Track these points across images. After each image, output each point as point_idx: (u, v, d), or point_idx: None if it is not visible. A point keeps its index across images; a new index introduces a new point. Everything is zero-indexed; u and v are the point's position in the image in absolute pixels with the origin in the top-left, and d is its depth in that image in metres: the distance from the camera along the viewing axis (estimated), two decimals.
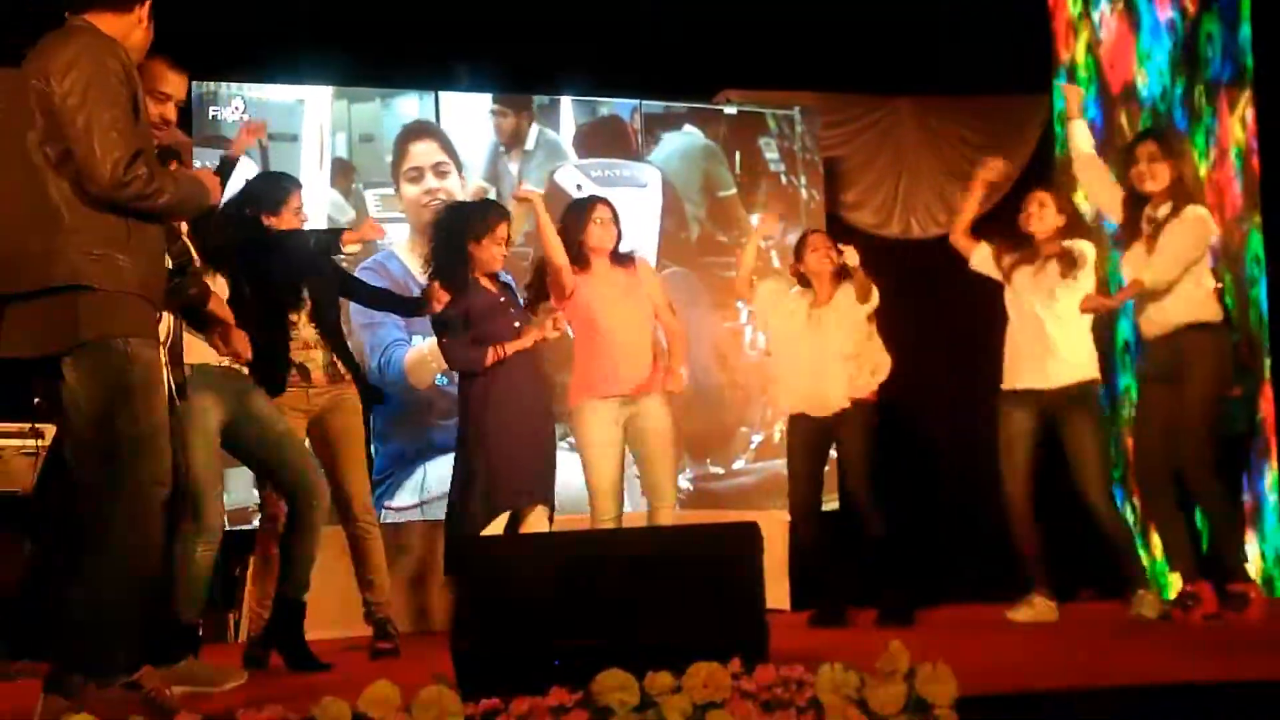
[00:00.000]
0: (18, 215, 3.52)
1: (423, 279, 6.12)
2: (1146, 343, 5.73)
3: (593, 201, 6.24)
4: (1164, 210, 5.52)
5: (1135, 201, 5.66)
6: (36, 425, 5.84)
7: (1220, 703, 3.35)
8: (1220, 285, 6.12)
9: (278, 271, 5.34)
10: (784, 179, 8.46)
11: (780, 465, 8.00)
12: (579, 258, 6.05)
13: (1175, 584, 6.30)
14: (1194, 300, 5.48)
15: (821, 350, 6.24)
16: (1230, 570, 5.54)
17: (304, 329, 5.48)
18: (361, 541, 5.57)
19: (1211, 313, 5.54)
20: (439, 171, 7.85)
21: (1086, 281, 5.80)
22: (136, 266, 3.53)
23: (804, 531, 6.47)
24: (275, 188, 5.63)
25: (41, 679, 3.50)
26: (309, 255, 5.54)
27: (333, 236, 5.69)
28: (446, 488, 6.01)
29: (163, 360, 3.83)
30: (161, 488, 3.56)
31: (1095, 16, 7.96)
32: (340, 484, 5.50)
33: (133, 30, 3.69)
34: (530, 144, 8.06)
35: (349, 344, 5.82)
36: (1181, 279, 5.44)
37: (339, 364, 5.55)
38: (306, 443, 5.44)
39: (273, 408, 5.08)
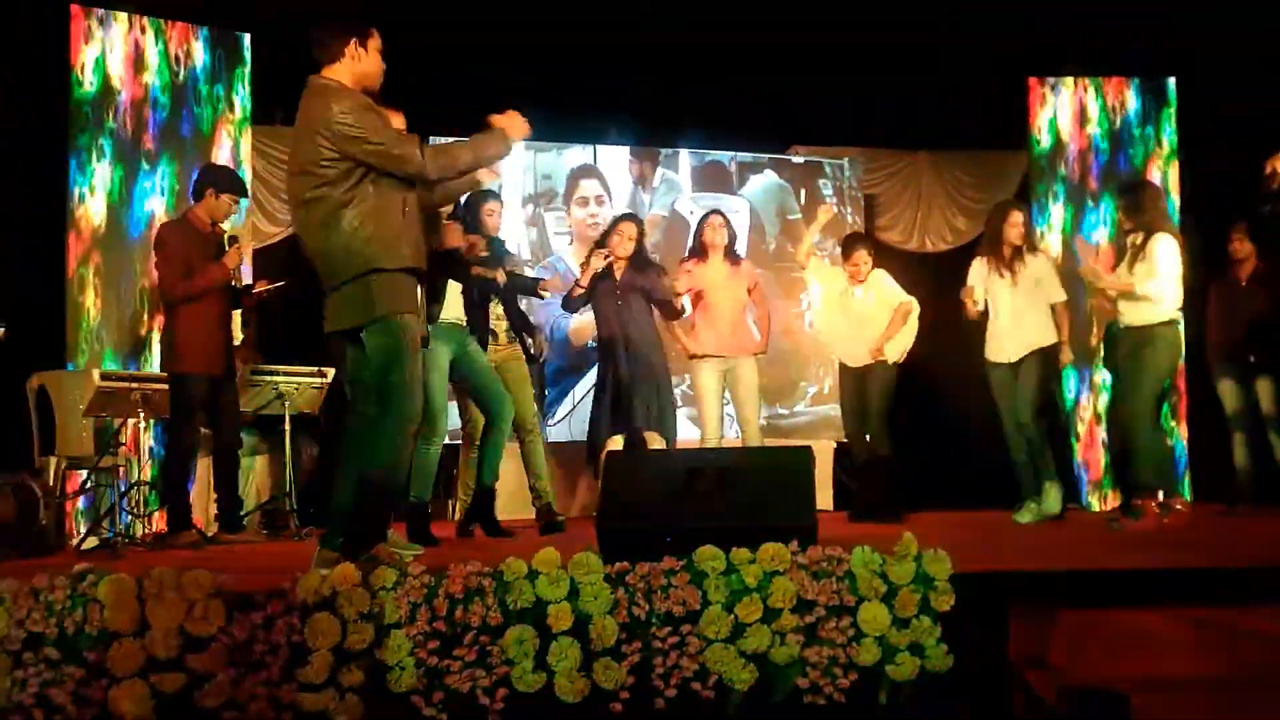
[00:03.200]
0: (324, 233, 3.47)
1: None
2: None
3: (710, 213, 6.22)
4: (1139, 239, 5.37)
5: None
6: (322, 368, 5.96)
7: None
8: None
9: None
10: (836, 209, 8.32)
11: (827, 409, 7.94)
12: (699, 251, 6.05)
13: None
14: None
15: (854, 317, 6.18)
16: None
17: (495, 308, 5.52)
18: (530, 449, 5.62)
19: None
20: (598, 200, 7.87)
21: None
22: (402, 246, 3.48)
23: (852, 450, 6.43)
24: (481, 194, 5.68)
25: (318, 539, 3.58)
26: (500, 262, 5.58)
27: (533, 283, 5.77)
28: (588, 412, 6.07)
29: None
30: (413, 423, 3.57)
31: (1056, 98, 7.75)
32: (517, 408, 5.56)
33: (352, 68, 3.52)
34: (655, 181, 8.04)
35: (530, 319, 5.84)
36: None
37: (512, 331, 5.60)
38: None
39: (481, 352, 5.13)
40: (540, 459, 5.61)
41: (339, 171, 3.41)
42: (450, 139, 4.11)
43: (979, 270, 5.82)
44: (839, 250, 7.73)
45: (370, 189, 3.43)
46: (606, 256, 5.79)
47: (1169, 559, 3.79)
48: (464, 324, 5.04)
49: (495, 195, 5.77)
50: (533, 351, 5.72)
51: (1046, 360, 5.72)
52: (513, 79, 7.11)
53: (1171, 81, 7.71)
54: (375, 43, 3.58)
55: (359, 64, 3.54)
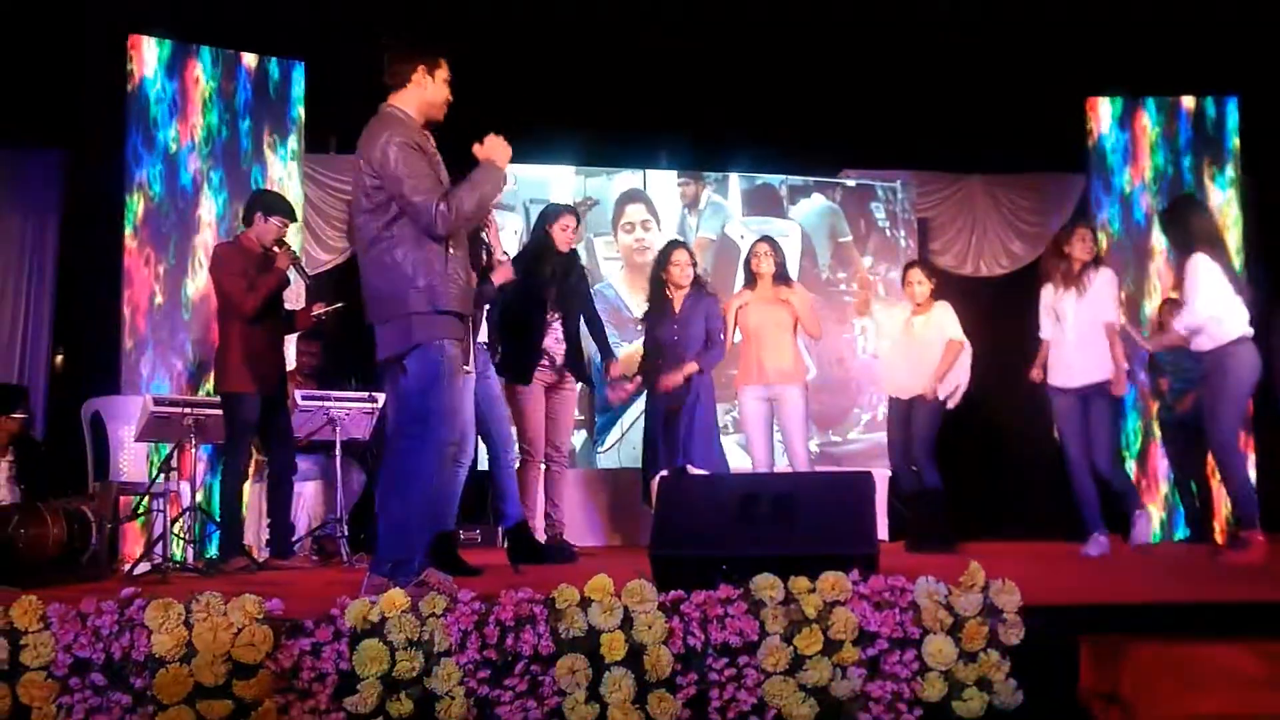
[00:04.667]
0: (370, 267, 3.49)
1: (632, 305, 6.13)
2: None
3: (757, 240, 6.14)
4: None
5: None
6: (374, 394, 5.93)
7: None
8: None
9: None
10: (888, 233, 8.25)
11: (881, 435, 7.80)
12: (749, 280, 5.98)
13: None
14: None
15: (908, 347, 6.04)
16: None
17: (555, 328, 5.47)
18: (555, 475, 5.56)
19: None
20: (644, 225, 7.83)
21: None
22: (449, 288, 3.47)
23: (900, 480, 6.27)
24: (554, 207, 5.66)
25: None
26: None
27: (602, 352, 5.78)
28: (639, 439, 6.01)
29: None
30: (452, 447, 3.55)
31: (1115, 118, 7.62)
32: (552, 436, 5.52)
33: (420, 95, 3.53)
34: (703, 205, 8.00)
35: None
36: None
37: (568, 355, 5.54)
38: (543, 404, 5.43)
39: (495, 379, 5.03)
40: (562, 487, 5.57)
41: (381, 200, 3.42)
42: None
43: (1048, 296, 5.66)
44: (891, 275, 7.68)
45: (410, 226, 3.43)
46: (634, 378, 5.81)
47: (1245, 591, 3.64)
48: (486, 345, 4.98)
49: (571, 210, 5.74)
50: (612, 376, 5.71)
51: (1114, 398, 5.58)
52: (562, 103, 7.13)
53: (1234, 100, 7.54)
54: (443, 73, 3.58)
55: (425, 91, 3.55)
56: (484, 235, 4.67)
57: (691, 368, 5.68)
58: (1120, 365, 5.56)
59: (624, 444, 7.45)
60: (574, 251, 5.75)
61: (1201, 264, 5.04)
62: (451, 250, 3.49)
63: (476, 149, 3.61)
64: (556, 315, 5.50)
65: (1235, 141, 7.51)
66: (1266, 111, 7.30)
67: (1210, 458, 5.95)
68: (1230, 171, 7.49)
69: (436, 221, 3.41)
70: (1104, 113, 7.62)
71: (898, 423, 6.17)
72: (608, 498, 7.12)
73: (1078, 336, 5.51)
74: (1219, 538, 6.24)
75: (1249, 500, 5.13)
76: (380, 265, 3.43)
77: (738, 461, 6.42)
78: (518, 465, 5.50)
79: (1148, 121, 7.59)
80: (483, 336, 4.89)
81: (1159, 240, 7.34)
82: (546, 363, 5.49)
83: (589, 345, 5.85)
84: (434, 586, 3.24)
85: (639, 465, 6.00)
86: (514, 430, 5.27)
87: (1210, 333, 5.05)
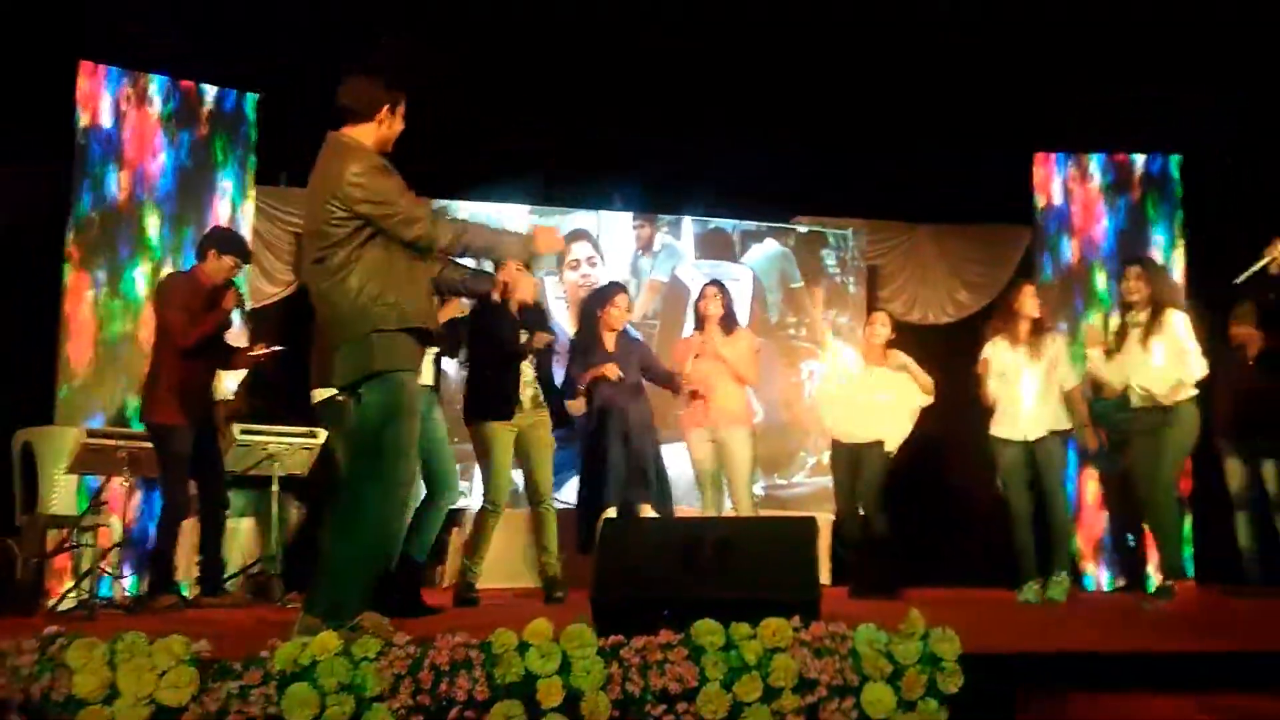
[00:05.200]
0: (330, 292, 3.43)
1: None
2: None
3: (706, 283, 6.18)
4: (1143, 316, 5.31)
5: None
6: (313, 429, 5.85)
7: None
8: None
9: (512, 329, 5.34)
10: (838, 279, 8.34)
11: (826, 479, 7.82)
12: (698, 322, 6.00)
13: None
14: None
15: (861, 395, 6.05)
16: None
17: (526, 371, 5.43)
18: (542, 520, 5.50)
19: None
20: (590, 262, 7.85)
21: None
22: (416, 305, 3.44)
23: (844, 526, 6.28)
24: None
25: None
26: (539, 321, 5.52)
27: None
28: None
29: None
30: (405, 487, 3.49)
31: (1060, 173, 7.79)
32: (533, 477, 5.46)
33: (378, 131, 3.51)
34: (657, 247, 8.02)
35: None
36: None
37: (540, 396, 5.51)
38: (510, 451, 5.37)
39: (440, 422, 4.94)
40: (552, 531, 5.50)
41: (348, 231, 3.38)
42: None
43: (994, 350, 5.73)
44: (840, 320, 7.74)
45: (379, 249, 3.40)
46: (608, 373, 5.72)
47: (1179, 643, 3.67)
48: (431, 387, 4.90)
49: (621, 288, 5.84)
50: (572, 414, 5.65)
51: (1063, 445, 5.66)
52: (517, 142, 7.14)
53: (1176, 159, 7.74)
54: (402, 108, 3.56)
55: (384, 128, 3.53)
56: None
57: (611, 368, 5.68)
58: (1084, 423, 5.68)
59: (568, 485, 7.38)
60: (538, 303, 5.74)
61: (1182, 318, 5.24)
62: (414, 268, 3.46)
63: (536, 227, 3.70)
64: (528, 360, 5.45)
65: (1178, 199, 7.70)
66: (1207, 170, 7.49)
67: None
68: (1173, 228, 7.67)
69: (436, 235, 3.43)
70: (1050, 168, 7.79)
71: (845, 467, 6.16)
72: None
73: (1035, 398, 5.58)
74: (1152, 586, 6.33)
75: (1178, 549, 5.24)
76: (344, 288, 3.38)
77: (686, 504, 6.38)
78: (478, 512, 5.42)
79: (1093, 177, 7.77)
80: (428, 379, 4.82)
81: (1103, 293, 7.50)
82: (513, 409, 5.43)
83: None
84: (369, 630, 3.17)
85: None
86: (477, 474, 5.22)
87: (1177, 385, 5.17)
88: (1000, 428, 5.69)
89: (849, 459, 6.13)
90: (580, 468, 5.87)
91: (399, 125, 3.56)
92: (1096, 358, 5.52)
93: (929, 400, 6.07)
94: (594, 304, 5.95)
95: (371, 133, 3.50)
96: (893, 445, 6.05)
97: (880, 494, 6.04)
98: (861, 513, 6.14)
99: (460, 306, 5.04)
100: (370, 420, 3.40)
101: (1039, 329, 5.66)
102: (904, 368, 6.04)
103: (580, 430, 6.02)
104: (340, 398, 3.72)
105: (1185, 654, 3.41)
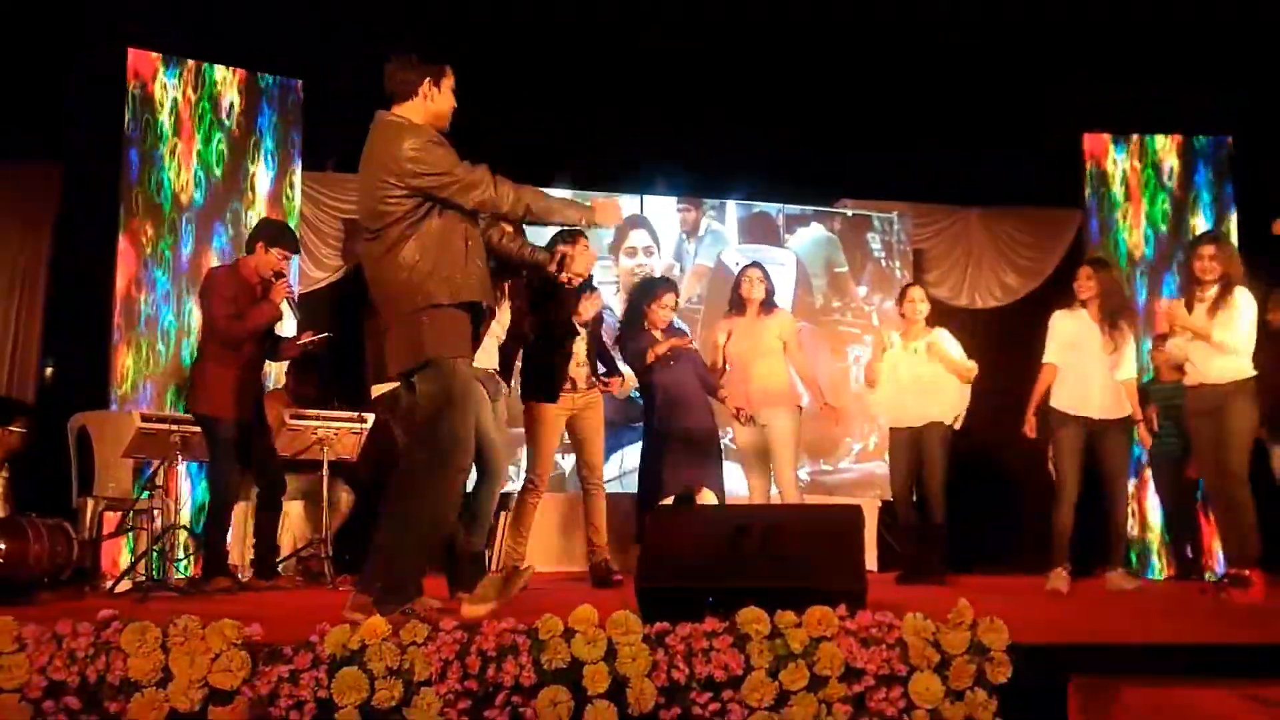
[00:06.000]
0: (384, 267, 3.45)
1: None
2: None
3: (747, 265, 6.14)
4: (1212, 293, 5.18)
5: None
6: (362, 414, 5.89)
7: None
8: None
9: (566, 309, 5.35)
10: (884, 263, 8.25)
11: (872, 466, 7.77)
12: (738, 304, 5.96)
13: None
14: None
15: (913, 377, 5.95)
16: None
17: (579, 350, 5.46)
18: (592, 501, 5.53)
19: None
20: (647, 251, 7.83)
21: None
22: (469, 280, 3.43)
23: (898, 511, 6.20)
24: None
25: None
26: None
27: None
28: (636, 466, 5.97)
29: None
30: (464, 473, 3.49)
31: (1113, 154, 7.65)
32: (586, 458, 5.49)
33: (425, 107, 3.50)
34: (701, 232, 7.99)
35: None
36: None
37: (593, 376, 5.55)
38: (558, 432, 5.41)
39: (503, 406, 4.97)
40: (601, 512, 5.53)
41: (405, 208, 3.38)
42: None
43: (1063, 320, 5.61)
44: (886, 305, 7.65)
45: (435, 223, 3.40)
46: (683, 345, 5.74)
47: (1236, 634, 3.60)
48: (497, 372, 4.94)
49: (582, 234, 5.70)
50: (617, 393, 5.67)
51: (1129, 434, 5.56)
52: (563, 127, 7.14)
53: (1229, 140, 7.58)
54: (449, 81, 3.55)
55: (432, 103, 3.52)
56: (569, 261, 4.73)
57: (677, 341, 5.72)
58: (1138, 418, 5.59)
59: (623, 472, 7.39)
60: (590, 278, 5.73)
61: (1249, 298, 5.12)
62: (470, 242, 3.46)
63: (596, 201, 3.69)
64: (578, 338, 5.47)
65: (1229, 180, 7.55)
66: (1260, 151, 7.34)
67: (1200, 493, 5.90)
68: (1225, 210, 7.52)
69: (500, 195, 3.43)
70: (1101, 148, 7.65)
71: (903, 451, 6.02)
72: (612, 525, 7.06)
73: (1100, 373, 5.47)
74: (1210, 575, 6.22)
75: (1254, 537, 5.11)
76: (398, 264, 3.38)
77: (733, 488, 6.36)
78: (519, 490, 5.47)
79: (1144, 158, 7.63)
80: (492, 362, 4.84)
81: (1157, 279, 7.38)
82: (568, 387, 5.45)
83: None
84: (419, 615, 3.20)
85: (635, 492, 5.96)
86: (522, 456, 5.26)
87: (1235, 365, 5.06)
88: (1061, 399, 5.57)
89: (908, 443, 6.00)
90: (641, 456, 5.89)
91: (449, 100, 3.55)
92: (1174, 313, 5.33)
93: (973, 373, 5.95)
94: (641, 297, 5.93)
95: (419, 109, 3.49)
96: (952, 417, 5.93)
97: (944, 478, 5.92)
98: (915, 497, 6.05)
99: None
100: (426, 408, 3.40)
101: (1114, 310, 5.51)
102: (941, 357, 5.93)
103: (635, 415, 6.06)
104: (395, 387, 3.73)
105: (1239, 645, 3.34)
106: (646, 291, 5.95)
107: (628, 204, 7.84)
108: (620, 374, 5.75)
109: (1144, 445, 5.66)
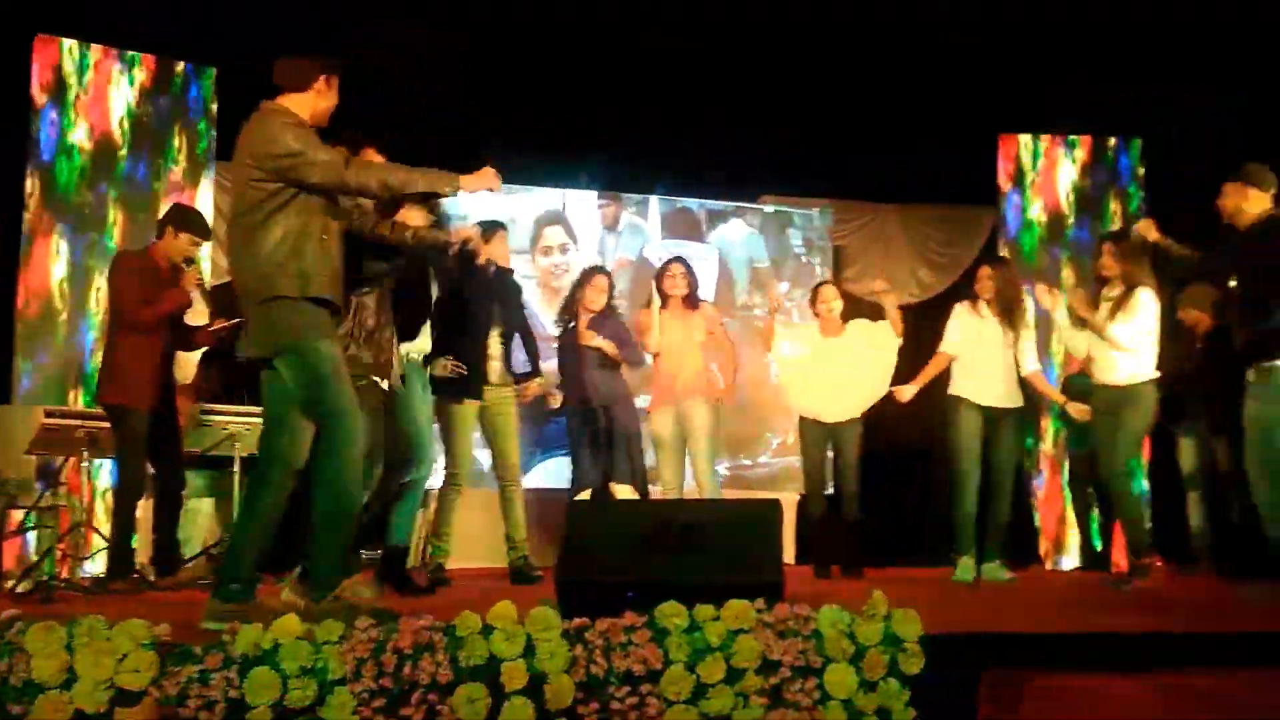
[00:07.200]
0: (241, 255, 3.44)
1: (547, 324, 6.16)
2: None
3: (670, 260, 6.17)
4: (1117, 292, 5.33)
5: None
6: None
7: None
8: None
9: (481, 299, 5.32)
10: (804, 259, 8.35)
11: (791, 459, 7.86)
12: (660, 299, 5.99)
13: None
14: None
15: (828, 372, 6.04)
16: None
17: (492, 345, 5.44)
18: (509, 499, 5.51)
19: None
20: (563, 249, 7.81)
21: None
22: (320, 276, 3.40)
23: (810, 505, 6.27)
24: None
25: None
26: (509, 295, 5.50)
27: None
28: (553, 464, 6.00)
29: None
30: (358, 448, 3.45)
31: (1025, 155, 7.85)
32: (500, 454, 5.47)
33: (314, 102, 3.51)
34: (623, 226, 8.00)
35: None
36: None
37: (505, 372, 5.53)
38: (474, 425, 5.39)
39: (426, 396, 4.92)
40: (519, 510, 5.51)
41: (264, 194, 3.37)
42: None
43: (961, 314, 5.80)
44: (806, 299, 7.72)
45: (293, 214, 3.38)
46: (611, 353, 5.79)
47: (1141, 623, 3.73)
48: (423, 363, 4.90)
49: (501, 225, 5.68)
50: (529, 396, 5.67)
51: (1021, 425, 5.73)
52: (484, 120, 7.09)
53: (1137, 143, 7.80)
54: (337, 80, 3.55)
55: (322, 99, 3.52)
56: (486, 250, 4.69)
57: (592, 336, 5.74)
58: (1058, 397, 5.81)
59: (541, 470, 7.37)
60: (510, 270, 5.70)
61: (1150, 297, 5.27)
62: (325, 238, 3.44)
63: (479, 173, 3.62)
64: (494, 332, 5.44)
65: (1138, 182, 7.78)
66: (1170, 153, 7.56)
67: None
68: (1134, 211, 7.74)
69: (345, 176, 3.39)
70: (1016, 148, 7.83)
71: (816, 446, 6.09)
72: (534, 519, 7.04)
73: (997, 364, 5.65)
74: (1117, 567, 6.41)
75: (1142, 528, 5.31)
76: (253, 251, 3.37)
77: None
78: (440, 487, 5.42)
79: (1057, 158, 7.82)
80: (423, 350, 4.80)
81: (1067, 276, 7.55)
82: (482, 380, 5.42)
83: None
84: (347, 599, 3.20)
85: (565, 486, 5.98)
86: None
87: (1134, 366, 5.22)
88: (960, 389, 5.72)
89: (821, 438, 6.08)
90: (569, 450, 5.91)
91: (335, 97, 3.55)
92: (1063, 322, 5.51)
93: (898, 343, 6.02)
94: (575, 285, 6.02)
95: (308, 104, 3.49)
96: (868, 408, 6.02)
97: (858, 474, 6.01)
98: (830, 491, 6.13)
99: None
100: (302, 395, 3.40)
101: (1009, 307, 5.68)
102: (870, 330, 6.01)
103: (560, 411, 6.06)
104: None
105: (1144, 634, 3.45)
106: (580, 279, 6.00)
107: (549, 199, 7.82)
108: (538, 375, 5.73)
109: (1079, 419, 5.82)
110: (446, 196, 3.69)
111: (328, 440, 3.38)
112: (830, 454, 6.10)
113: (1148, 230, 5.01)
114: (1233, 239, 4.69)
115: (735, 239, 8.22)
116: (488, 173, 3.64)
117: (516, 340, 5.71)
